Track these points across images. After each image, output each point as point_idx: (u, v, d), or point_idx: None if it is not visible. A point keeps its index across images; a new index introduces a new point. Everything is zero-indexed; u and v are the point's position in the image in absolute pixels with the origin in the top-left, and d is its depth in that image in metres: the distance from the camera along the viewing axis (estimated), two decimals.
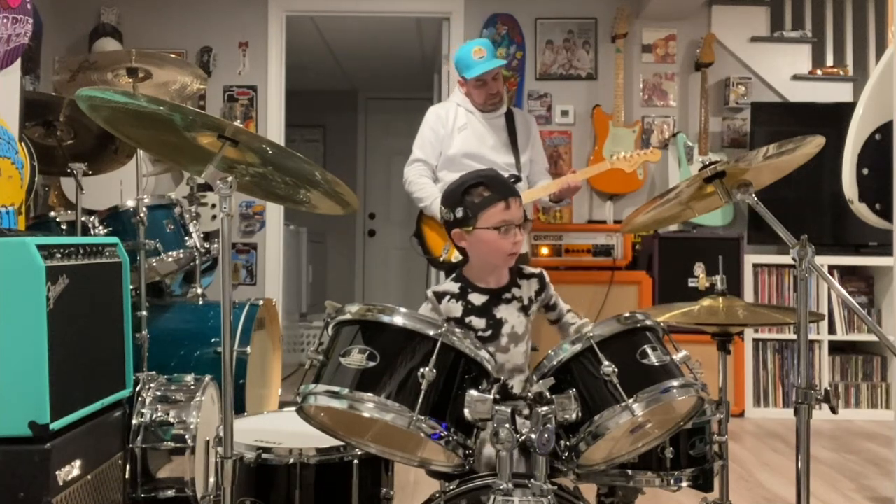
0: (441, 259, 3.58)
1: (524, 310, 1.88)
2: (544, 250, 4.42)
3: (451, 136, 3.60)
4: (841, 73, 5.02)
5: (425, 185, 3.58)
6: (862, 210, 2.79)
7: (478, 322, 1.83)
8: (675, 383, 1.53)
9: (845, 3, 5.15)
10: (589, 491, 1.73)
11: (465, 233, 1.84)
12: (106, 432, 2.23)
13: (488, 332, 1.83)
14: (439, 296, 1.86)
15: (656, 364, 1.54)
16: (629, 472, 1.79)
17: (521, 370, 1.86)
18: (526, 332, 1.88)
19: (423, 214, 3.63)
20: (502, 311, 1.85)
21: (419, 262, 4.32)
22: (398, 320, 1.47)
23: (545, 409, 1.46)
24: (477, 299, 1.85)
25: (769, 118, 4.77)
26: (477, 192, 1.82)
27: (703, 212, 2.13)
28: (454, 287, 1.87)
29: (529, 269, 1.94)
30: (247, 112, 5.02)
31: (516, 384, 1.82)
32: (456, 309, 1.84)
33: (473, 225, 1.82)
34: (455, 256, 3.45)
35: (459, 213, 1.83)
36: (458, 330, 1.49)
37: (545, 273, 1.94)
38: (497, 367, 1.57)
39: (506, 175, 1.99)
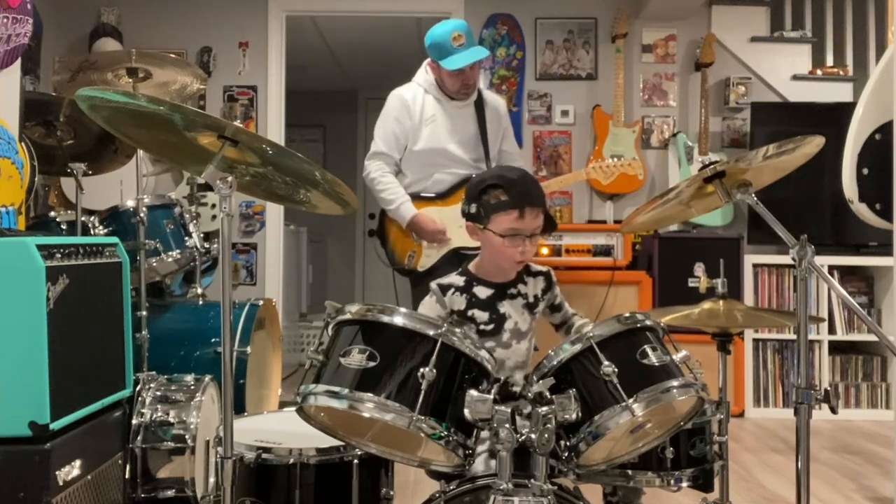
0: (406, 267, 3.32)
1: (529, 307, 1.88)
2: (544, 250, 4.42)
3: (419, 130, 3.30)
4: (841, 73, 5.02)
5: (390, 185, 3.29)
6: (862, 210, 2.79)
7: (481, 315, 1.84)
8: (675, 383, 1.53)
9: (845, 3, 5.15)
10: (590, 491, 1.73)
11: (478, 229, 1.84)
12: (106, 432, 2.23)
13: (490, 326, 1.83)
14: (444, 288, 1.87)
15: (656, 364, 1.54)
16: (629, 472, 1.79)
17: (523, 367, 1.87)
18: (530, 330, 1.88)
19: (388, 216, 3.36)
20: (506, 307, 1.86)
21: None
22: (398, 320, 1.47)
23: (545, 409, 1.46)
24: (482, 292, 1.86)
25: (769, 118, 4.77)
26: (494, 193, 1.80)
27: (703, 212, 2.13)
28: (459, 280, 1.88)
29: (537, 267, 1.93)
30: (247, 112, 5.02)
31: (518, 380, 1.83)
32: (460, 301, 1.85)
33: (484, 225, 1.82)
34: (421, 265, 3.28)
35: (473, 209, 1.82)
36: (457, 330, 1.49)
37: (552, 272, 1.94)
38: (498, 363, 1.57)
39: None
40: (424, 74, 3.38)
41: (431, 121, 3.31)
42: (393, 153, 3.34)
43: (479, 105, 3.37)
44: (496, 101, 3.52)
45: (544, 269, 1.94)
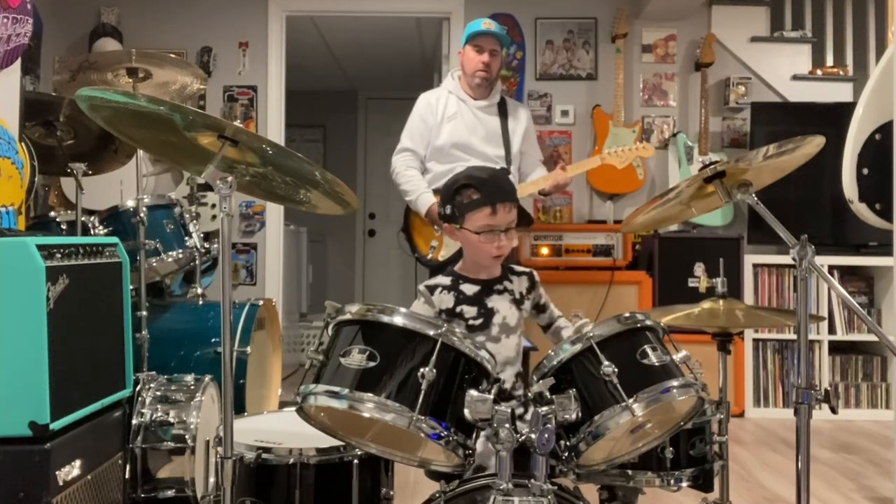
0: (428, 256, 3.51)
1: (517, 302, 1.91)
2: (544, 250, 4.42)
3: (441, 126, 3.52)
4: (841, 73, 5.02)
5: (412, 178, 3.49)
6: (862, 210, 2.79)
7: (469, 310, 1.86)
8: (675, 383, 1.53)
9: (845, 3, 5.15)
10: (590, 491, 1.73)
11: (455, 229, 1.88)
12: (106, 432, 2.23)
13: (479, 321, 1.85)
14: (431, 288, 1.90)
15: (656, 364, 1.55)
16: (629, 472, 1.79)
17: (513, 363, 1.88)
18: (518, 326, 1.90)
19: (411, 209, 3.55)
20: (494, 301, 1.88)
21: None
22: (398, 320, 1.47)
23: (545, 409, 1.46)
24: (469, 289, 1.89)
25: (769, 118, 4.77)
26: (466, 193, 1.86)
27: (703, 212, 2.13)
28: (445, 280, 1.91)
29: (520, 269, 1.98)
30: (247, 112, 5.02)
31: (507, 377, 1.84)
32: (448, 300, 1.87)
33: (460, 224, 1.86)
34: (442, 255, 3.46)
35: (448, 210, 1.87)
36: (457, 330, 1.49)
37: (535, 273, 1.98)
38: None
39: (496, 167, 2.01)
40: (450, 80, 3.64)
41: (454, 118, 3.53)
42: (418, 149, 3.55)
43: (502, 107, 3.60)
44: (519, 106, 3.76)
45: (527, 269, 1.98)
